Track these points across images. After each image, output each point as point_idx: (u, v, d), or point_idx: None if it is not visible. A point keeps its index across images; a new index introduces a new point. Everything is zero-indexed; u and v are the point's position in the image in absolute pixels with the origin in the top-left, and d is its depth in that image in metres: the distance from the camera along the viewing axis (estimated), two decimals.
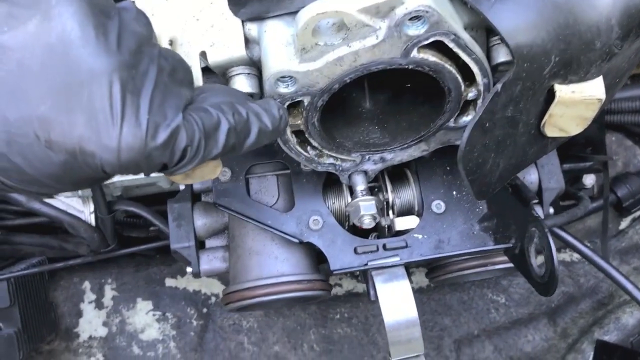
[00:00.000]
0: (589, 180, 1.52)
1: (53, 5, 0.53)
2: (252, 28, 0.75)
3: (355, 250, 0.95)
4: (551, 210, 1.09)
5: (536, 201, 0.83)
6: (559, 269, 0.76)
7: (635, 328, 1.42)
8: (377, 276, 0.92)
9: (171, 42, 0.76)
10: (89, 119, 0.53)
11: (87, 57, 0.53)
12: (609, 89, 0.87)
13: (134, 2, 0.61)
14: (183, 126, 0.58)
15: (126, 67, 0.55)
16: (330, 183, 1.02)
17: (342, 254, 0.95)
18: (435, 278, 1.07)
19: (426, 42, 0.69)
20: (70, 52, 0.53)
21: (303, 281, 0.97)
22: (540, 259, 0.83)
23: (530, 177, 1.07)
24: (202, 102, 0.63)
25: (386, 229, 1.01)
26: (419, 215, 1.00)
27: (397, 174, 1.04)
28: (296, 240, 0.95)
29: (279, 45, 0.72)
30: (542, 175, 1.07)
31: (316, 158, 0.88)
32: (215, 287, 1.56)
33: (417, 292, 1.56)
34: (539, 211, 1.07)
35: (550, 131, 0.82)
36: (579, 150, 1.30)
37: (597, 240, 1.59)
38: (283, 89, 0.73)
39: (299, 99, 0.75)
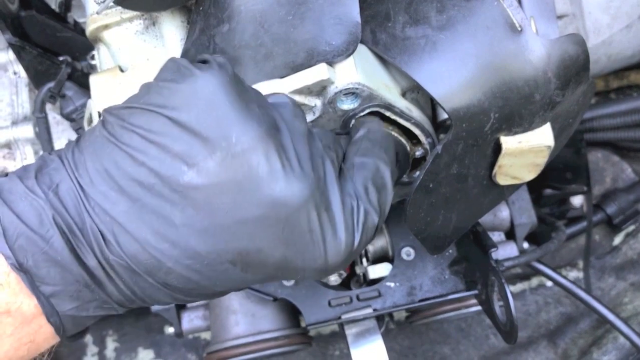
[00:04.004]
0: (577, 200, 1.52)
1: (234, 142, 0.50)
2: None
3: (329, 303, 0.97)
4: (525, 245, 1.10)
5: (495, 249, 0.84)
6: (518, 317, 0.77)
7: (633, 347, 1.41)
8: (349, 329, 0.94)
9: None
10: (290, 244, 0.53)
11: (280, 193, 0.51)
12: (562, 131, 0.87)
13: (285, 94, 0.60)
14: (370, 207, 0.58)
15: (314, 186, 0.53)
16: None
17: (316, 307, 0.97)
18: (413, 322, 1.08)
19: (362, 114, 0.71)
20: (260, 189, 0.51)
21: (280, 337, 0.99)
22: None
23: (501, 214, 1.09)
24: (354, 154, 0.62)
25: (362, 277, 1.02)
26: (393, 261, 1.01)
27: None
28: (270, 298, 0.97)
29: None
30: (513, 212, 1.08)
31: None
32: None
33: None
34: (512, 248, 1.08)
35: (503, 180, 0.83)
36: (557, 175, 1.30)
37: (592, 258, 1.58)
38: None
39: None
